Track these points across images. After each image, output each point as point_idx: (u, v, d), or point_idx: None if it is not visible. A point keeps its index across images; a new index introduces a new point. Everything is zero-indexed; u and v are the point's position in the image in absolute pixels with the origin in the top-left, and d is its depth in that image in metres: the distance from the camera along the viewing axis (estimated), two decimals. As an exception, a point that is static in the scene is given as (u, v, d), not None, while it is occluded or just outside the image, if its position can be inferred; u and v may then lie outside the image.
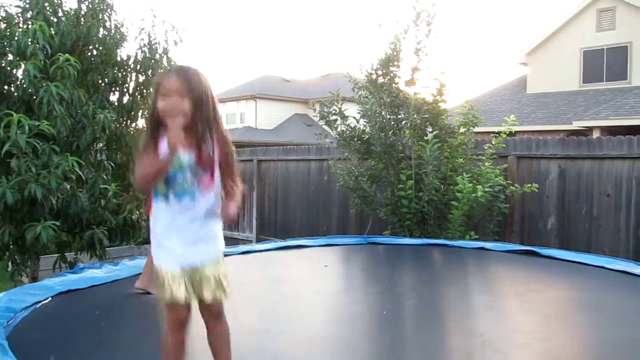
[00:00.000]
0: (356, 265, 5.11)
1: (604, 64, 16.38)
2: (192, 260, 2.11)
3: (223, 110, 27.71)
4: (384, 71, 6.75)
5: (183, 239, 2.10)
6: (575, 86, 16.83)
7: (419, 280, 4.53)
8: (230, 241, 6.50)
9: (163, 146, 2.06)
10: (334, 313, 3.49)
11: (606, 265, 4.61)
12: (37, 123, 4.74)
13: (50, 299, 3.82)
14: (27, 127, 4.63)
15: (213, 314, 2.17)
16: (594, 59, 16.54)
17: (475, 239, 6.21)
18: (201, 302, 2.14)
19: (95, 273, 4.47)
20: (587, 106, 15.47)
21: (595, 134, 13.34)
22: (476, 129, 6.90)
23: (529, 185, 6.56)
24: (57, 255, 5.91)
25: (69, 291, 3.99)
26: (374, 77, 6.73)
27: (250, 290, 3.98)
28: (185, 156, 2.10)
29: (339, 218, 9.17)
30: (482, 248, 5.46)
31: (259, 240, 10.07)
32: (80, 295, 3.96)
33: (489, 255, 5.23)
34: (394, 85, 6.62)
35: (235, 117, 26.96)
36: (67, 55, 5.24)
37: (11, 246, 5.24)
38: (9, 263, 5.44)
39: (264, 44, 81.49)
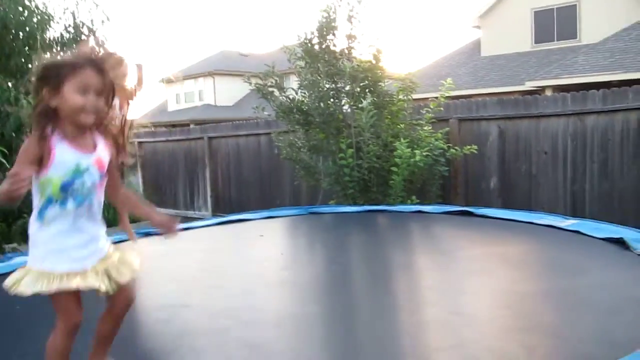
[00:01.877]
0: (291, 235, 5.12)
1: (554, 23, 16.54)
2: (94, 258, 2.07)
3: (181, 88, 27.32)
4: (320, 40, 6.69)
5: (82, 241, 2.05)
6: (527, 47, 16.98)
7: (349, 245, 4.58)
8: (186, 221, 6.47)
9: (58, 150, 1.92)
10: (255, 280, 3.49)
11: (535, 221, 4.71)
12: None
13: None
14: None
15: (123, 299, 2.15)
16: (545, 19, 16.68)
17: (417, 203, 6.27)
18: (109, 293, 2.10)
19: (22, 260, 4.39)
20: (539, 66, 15.64)
21: (548, 94, 13.54)
22: (427, 94, 6.89)
23: (469, 147, 6.63)
24: (-6, 246, 5.80)
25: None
26: (309, 46, 6.65)
27: (172, 265, 3.96)
28: (83, 160, 2.03)
29: (291, 191, 9.17)
30: (419, 211, 5.51)
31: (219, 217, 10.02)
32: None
33: (425, 218, 5.29)
34: (328, 54, 6.55)
35: (193, 95, 26.59)
36: (-20, 39, 5.05)
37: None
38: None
39: (221, 19, 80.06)
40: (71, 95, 1.88)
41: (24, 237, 5.47)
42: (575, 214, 6.32)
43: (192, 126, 14.65)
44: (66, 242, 2.00)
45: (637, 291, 2.83)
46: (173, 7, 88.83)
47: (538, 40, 16.83)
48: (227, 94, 25.88)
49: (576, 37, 16.08)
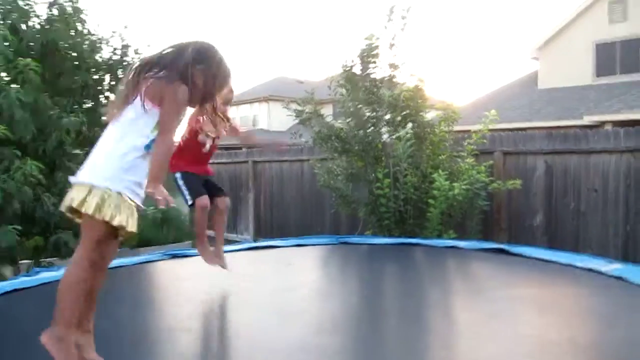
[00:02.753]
0: (317, 265, 4.98)
1: (616, 56, 15.91)
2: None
3: (237, 112, 27.88)
4: (362, 67, 6.63)
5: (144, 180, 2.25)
6: (587, 80, 16.38)
7: (375, 278, 4.40)
8: (227, 243, 6.46)
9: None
10: (270, 309, 3.38)
11: (575, 263, 4.40)
12: (-7, 129, 4.75)
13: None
14: (-19, 132, 4.65)
15: None
16: (607, 52, 16.07)
17: (454, 238, 6.03)
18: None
19: (47, 275, 4.45)
20: (599, 100, 15.03)
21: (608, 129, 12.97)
22: (478, 126, 6.65)
23: (512, 181, 6.35)
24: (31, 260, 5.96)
25: (13, 291, 3.98)
26: (350, 73, 6.60)
27: (189, 287, 3.92)
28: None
29: (332, 218, 9.05)
30: (454, 247, 5.28)
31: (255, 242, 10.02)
32: (23, 295, 3.94)
33: (458, 254, 5.06)
34: (368, 81, 6.47)
35: (248, 120, 27.04)
36: (28, 59, 5.25)
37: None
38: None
39: (279, 45, 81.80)
40: None
41: (58, 252, 5.59)
42: (626, 257, 5.91)
43: (242, 149, 14.81)
44: (143, 181, 2.22)
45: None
46: (232, 32, 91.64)
47: (599, 73, 16.21)
48: (281, 119, 26.17)
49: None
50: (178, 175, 3.64)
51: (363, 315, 3.34)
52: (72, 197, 2.13)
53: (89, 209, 2.06)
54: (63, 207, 2.22)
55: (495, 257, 4.89)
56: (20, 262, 6.35)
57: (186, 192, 3.60)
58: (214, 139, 3.86)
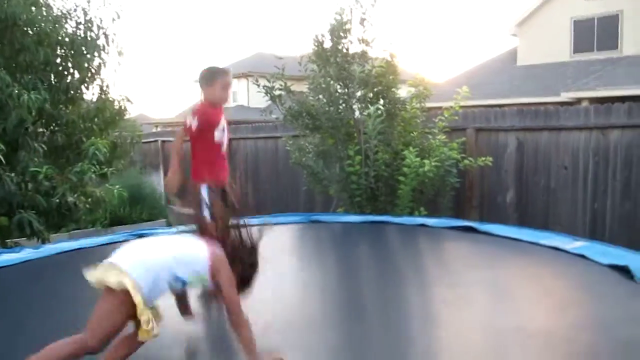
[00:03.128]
0: (283, 245, 4.92)
1: (594, 33, 15.93)
2: None
3: (216, 90, 27.47)
4: (333, 43, 6.52)
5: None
6: (566, 57, 16.40)
7: (338, 258, 4.38)
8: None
9: None
10: None
11: (540, 241, 4.41)
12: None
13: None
14: None
15: None
16: (585, 29, 16.08)
17: (425, 215, 6.02)
18: None
19: (8, 257, 4.36)
20: (576, 77, 15.07)
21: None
22: (458, 104, 6.58)
23: (483, 158, 6.34)
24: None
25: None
26: (320, 49, 6.49)
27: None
28: None
29: (307, 196, 9.00)
30: (423, 225, 5.27)
31: (231, 220, 9.94)
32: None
33: (426, 232, 5.05)
34: (339, 57, 6.37)
35: (227, 97, 26.69)
36: (-19, 34, 5.07)
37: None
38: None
39: (258, 21, 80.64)
40: None
41: (22, 231, 5.47)
42: (594, 233, 5.97)
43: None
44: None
45: (623, 332, 2.55)
46: (211, 7, 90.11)
47: (577, 50, 16.23)
48: (260, 95, 25.88)
49: (617, 48, 15.44)
50: (204, 188, 3.36)
51: (318, 296, 3.32)
52: (117, 281, 2.04)
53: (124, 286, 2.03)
54: (94, 278, 2.10)
55: (463, 235, 4.89)
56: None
57: (206, 208, 3.37)
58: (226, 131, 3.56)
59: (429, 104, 6.86)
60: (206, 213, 3.27)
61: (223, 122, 3.47)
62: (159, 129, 22.60)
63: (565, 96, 14.02)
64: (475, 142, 6.97)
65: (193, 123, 3.33)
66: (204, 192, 3.34)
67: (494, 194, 6.90)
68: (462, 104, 6.71)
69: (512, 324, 2.72)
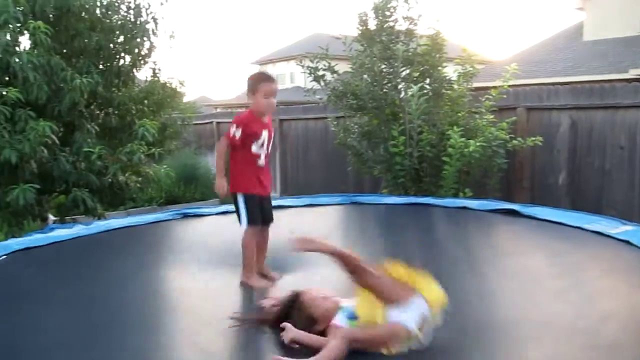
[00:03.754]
0: (321, 226, 4.94)
1: (669, 4, 14.92)
2: None
3: (273, 70, 27.77)
4: (378, 20, 6.44)
5: None
6: (635, 31, 15.45)
7: (374, 241, 4.36)
8: None
9: None
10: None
11: (584, 226, 4.24)
12: (5, 90, 4.87)
13: (3, 257, 3.96)
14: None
15: None
16: (658, 0, 15.08)
17: (470, 197, 5.90)
18: None
19: (62, 232, 4.62)
20: (647, 52, 14.21)
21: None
22: (522, 81, 6.40)
23: (533, 138, 6.13)
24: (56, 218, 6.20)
25: (25, 249, 4.13)
26: (365, 28, 6.42)
27: (188, 253, 3.98)
28: None
29: (355, 176, 8.99)
30: (464, 207, 5.16)
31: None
32: (34, 253, 4.08)
33: (467, 215, 4.94)
34: (384, 36, 6.28)
35: (285, 77, 26.92)
36: (38, 22, 5.32)
37: (1, 209, 5.50)
38: (3, 224, 5.72)
39: (316, 1, 79.97)
40: None
41: (77, 208, 5.78)
42: (651, 217, 5.68)
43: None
44: None
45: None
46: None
47: (649, 23, 15.25)
48: (317, 76, 25.96)
49: (694, 21, 14.41)
50: (240, 196, 3.32)
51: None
52: None
53: None
54: None
55: (505, 218, 4.76)
56: (53, 218, 6.63)
57: (244, 214, 3.29)
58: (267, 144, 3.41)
59: (482, 83, 6.69)
60: (244, 223, 3.30)
61: (264, 136, 3.33)
62: (218, 111, 23.10)
63: (634, 73, 13.25)
64: (527, 121, 6.74)
65: (236, 133, 3.25)
66: (241, 201, 3.33)
67: (545, 175, 6.66)
68: (520, 82, 6.48)
69: (536, 313, 2.66)
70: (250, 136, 3.27)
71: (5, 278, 3.48)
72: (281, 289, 2.93)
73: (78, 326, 2.62)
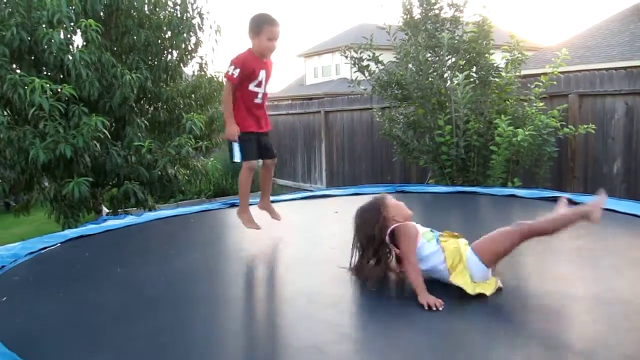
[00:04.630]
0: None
1: None
2: None
3: (319, 62, 27.76)
4: (422, 8, 6.35)
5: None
6: (700, 10, 14.69)
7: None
8: (300, 192, 6.62)
9: None
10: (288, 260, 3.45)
11: (638, 213, 4.08)
12: (59, 87, 5.06)
13: (58, 244, 4.13)
14: (49, 91, 4.97)
15: None
16: None
17: (519, 187, 5.76)
18: None
19: (114, 223, 4.78)
20: None
21: None
22: (573, 67, 6.24)
23: (585, 126, 5.93)
24: (109, 210, 6.41)
25: (80, 237, 4.29)
26: (409, 17, 6.35)
27: (217, 236, 4.08)
28: None
29: (402, 167, 8.94)
30: (512, 195, 5.05)
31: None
32: (87, 240, 4.23)
33: (515, 203, 4.82)
34: (429, 23, 6.19)
35: (330, 69, 26.87)
36: (90, 20, 5.50)
37: (58, 201, 5.73)
38: (60, 216, 5.96)
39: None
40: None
41: (128, 200, 5.96)
42: None
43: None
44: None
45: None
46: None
47: None
48: (363, 67, 25.81)
49: None
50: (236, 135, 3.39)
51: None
52: None
53: None
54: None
55: (554, 205, 4.62)
56: (107, 210, 6.87)
57: (237, 150, 3.36)
58: (264, 83, 3.48)
59: (532, 71, 6.51)
60: (237, 158, 3.36)
61: (262, 75, 3.41)
62: (265, 104, 23.32)
63: (696, 55, 12.63)
64: (579, 108, 6.53)
65: (234, 72, 3.31)
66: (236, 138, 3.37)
67: (599, 164, 6.45)
68: (572, 69, 6.28)
69: (590, 292, 2.59)
70: (248, 75, 3.34)
71: (62, 262, 3.64)
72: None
73: (132, 303, 2.72)
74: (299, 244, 3.81)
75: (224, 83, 3.44)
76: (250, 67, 3.34)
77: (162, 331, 2.39)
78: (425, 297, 2.32)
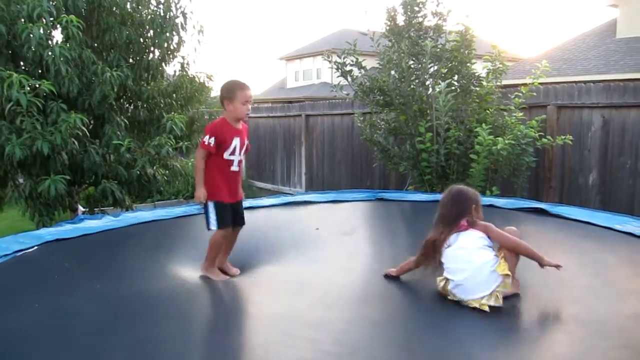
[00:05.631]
0: (345, 223, 4.92)
1: None
2: None
3: (300, 66, 27.76)
4: (406, 16, 6.40)
5: None
6: (673, 27, 15.07)
7: (393, 238, 4.35)
8: (279, 195, 6.57)
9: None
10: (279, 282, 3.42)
11: (614, 226, 4.16)
12: (38, 83, 4.97)
13: (35, 247, 4.03)
14: (27, 87, 4.87)
15: None
16: (696, -5, 14.66)
17: (497, 195, 5.83)
18: None
19: (91, 224, 4.69)
20: (684, 50, 13.84)
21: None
22: (551, 79, 6.33)
23: (563, 137, 6.02)
24: (86, 209, 6.31)
25: (56, 240, 4.20)
26: (393, 24, 6.39)
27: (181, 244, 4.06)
28: None
29: (381, 172, 8.97)
30: (491, 205, 5.10)
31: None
32: (64, 244, 4.15)
33: (493, 213, 4.85)
34: (412, 31, 6.24)
35: (311, 73, 26.90)
36: (70, 16, 5.41)
37: (33, 199, 5.62)
38: (35, 214, 5.84)
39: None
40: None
41: (106, 200, 5.86)
42: (685, 219, 5.53)
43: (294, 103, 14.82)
44: None
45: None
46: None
47: (686, 20, 14.86)
48: (344, 72, 25.88)
49: None
50: (210, 203, 3.37)
51: (365, 285, 3.31)
52: None
53: None
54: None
55: (532, 217, 4.69)
56: (83, 209, 6.75)
57: (213, 218, 3.36)
58: (239, 150, 3.46)
59: (512, 81, 6.59)
60: (213, 226, 3.35)
61: (235, 143, 3.41)
62: (244, 105, 23.22)
63: (669, 71, 12.94)
64: (557, 119, 6.63)
65: (210, 141, 3.30)
66: (211, 207, 3.36)
67: (575, 175, 6.55)
68: (550, 80, 6.38)
69: (566, 313, 2.61)
70: (222, 143, 3.34)
71: (38, 268, 3.56)
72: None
73: (105, 314, 2.68)
74: (282, 264, 3.76)
75: (198, 147, 3.39)
76: (222, 137, 3.33)
77: (141, 344, 2.35)
78: (547, 260, 2.77)
